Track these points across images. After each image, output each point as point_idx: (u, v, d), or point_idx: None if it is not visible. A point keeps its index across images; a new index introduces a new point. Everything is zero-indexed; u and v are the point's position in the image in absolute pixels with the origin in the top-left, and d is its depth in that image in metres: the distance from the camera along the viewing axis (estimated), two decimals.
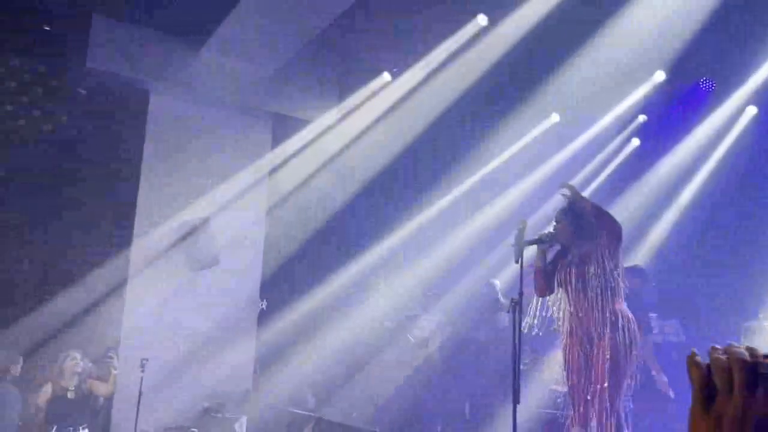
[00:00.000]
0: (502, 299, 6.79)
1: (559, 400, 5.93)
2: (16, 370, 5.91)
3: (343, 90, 8.06)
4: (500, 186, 8.75)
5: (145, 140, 7.25)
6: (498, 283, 7.14)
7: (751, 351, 0.76)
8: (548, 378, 6.26)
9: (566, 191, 4.38)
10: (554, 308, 4.54)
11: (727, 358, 0.75)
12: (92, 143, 7.47)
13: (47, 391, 5.56)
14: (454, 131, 8.54)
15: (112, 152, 7.37)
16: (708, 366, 0.76)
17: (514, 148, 8.65)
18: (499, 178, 8.71)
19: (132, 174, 7.28)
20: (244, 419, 5.86)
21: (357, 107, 7.83)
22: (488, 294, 7.06)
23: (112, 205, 7.47)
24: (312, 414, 5.36)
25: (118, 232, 7.32)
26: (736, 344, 0.76)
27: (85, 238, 7.80)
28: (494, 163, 8.70)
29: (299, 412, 5.54)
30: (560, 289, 4.45)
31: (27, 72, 7.01)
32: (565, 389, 5.49)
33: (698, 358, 0.78)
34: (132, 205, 7.22)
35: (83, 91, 7.13)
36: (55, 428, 5.41)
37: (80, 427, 5.50)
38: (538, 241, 4.48)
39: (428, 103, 7.74)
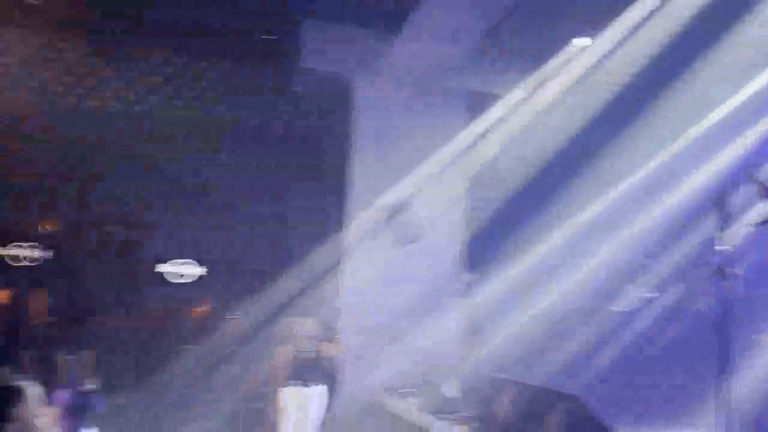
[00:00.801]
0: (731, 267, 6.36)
1: None
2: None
3: (536, 61, 8.02)
4: (713, 146, 8.14)
5: (353, 129, 7.95)
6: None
7: None
8: None
9: None
10: None
11: None
12: (310, 135, 8.43)
13: (284, 352, 6.43)
14: (652, 93, 8.09)
15: (327, 142, 8.22)
16: None
17: (730, 105, 7.98)
18: (710, 138, 8.10)
19: (344, 160, 8.04)
20: (455, 383, 6.27)
21: (550, 77, 7.78)
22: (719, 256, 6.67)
23: (328, 190, 8.37)
24: (517, 379, 5.60)
25: (333, 213, 8.18)
26: None
27: (304, 220, 8.85)
28: (704, 124, 8.11)
29: (505, 377, 5.81)
30: None
31: (255, 76, 8.11)
32: None
33: None
34: (344, 189, 7.99)
35: (299, 89, 8.04)
36: (293, 384, 6.27)
37: (315, 384, 6.31)
38: None
39: (623, 67, 7.44)
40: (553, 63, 7.74)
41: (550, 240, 8.19)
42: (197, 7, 7.22)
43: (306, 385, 6.31)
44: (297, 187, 9.35)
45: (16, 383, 3.95)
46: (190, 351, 8.60)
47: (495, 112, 8.05)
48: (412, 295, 7.58)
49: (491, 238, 8.27)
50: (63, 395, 5.18)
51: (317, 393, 6.35)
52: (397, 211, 7.73)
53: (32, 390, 4.01)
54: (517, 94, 7.97)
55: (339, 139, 8.12)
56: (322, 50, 7.61)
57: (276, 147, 9.07)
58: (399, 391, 7.04)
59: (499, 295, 7.83)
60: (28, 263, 11.49)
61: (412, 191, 7.76)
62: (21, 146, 9.81)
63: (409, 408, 6.40)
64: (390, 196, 7.79)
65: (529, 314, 7.39)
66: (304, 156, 8.80)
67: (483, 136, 8.19)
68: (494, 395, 5.41)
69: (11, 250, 11.38)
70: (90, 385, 5.50)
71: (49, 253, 11.52)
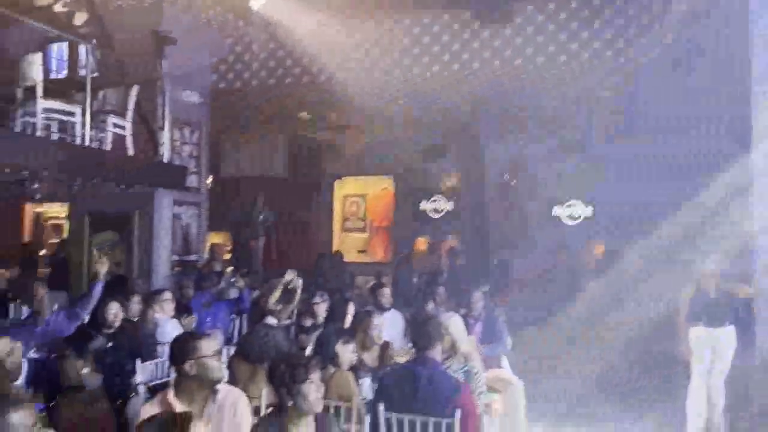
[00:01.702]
0: None
1: None
2: None
3: None
4: None
5: (751, 35, 6.89)
6: None
7: None
8: None
9: None
10: None
11: None
12: (700, 52, 7.72)
13: (690, 288, 6.11)
14: None
15: (722, 56, 7.42)
16: None
17: None
18: None
19: (744, 72, 7.09)
20: None
21: None
22: None
23: (728, 107, 7.53)
24: None
25: (737, 134, 7.30)
26: None
27: (703, 145, 8.12)
28: None
29: None
30: None
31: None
32: None
33: None
34: (747, 103, 7.03)
35: (684, 7, 7.43)
36: (702, 321, 5.91)
37: (724, 326, 5.84)
38: None
39: None
40: None
41: None
42: None
43: (715, 326, 5.89)
44: (693, 108, 8.65)
45: (438, 316, 4.60)
46: (587, 290, 8.79)
47: None
48: None
49: None
50: (477, 324, 5.92)
51: (726, 335, 5.87)
52: None
53: (454, 320, 4.46)
54: None
55: (735, 51, 7.14)
56: None
57: (665, 71, 8.50)
58: None
59: None
60: (439, 215, 13.31)
61: None
62: (422, 112, 11.28)
63: None
64: None
65: None
66: (700, 76, 8.04)
67: None
68: None
69: (434, 204, 13.33)
70: (499, 317, 6.15)
71: (451, 204, 13.13)
